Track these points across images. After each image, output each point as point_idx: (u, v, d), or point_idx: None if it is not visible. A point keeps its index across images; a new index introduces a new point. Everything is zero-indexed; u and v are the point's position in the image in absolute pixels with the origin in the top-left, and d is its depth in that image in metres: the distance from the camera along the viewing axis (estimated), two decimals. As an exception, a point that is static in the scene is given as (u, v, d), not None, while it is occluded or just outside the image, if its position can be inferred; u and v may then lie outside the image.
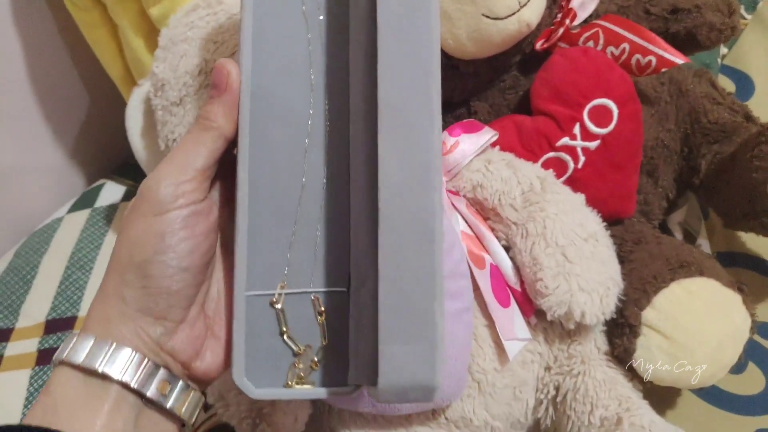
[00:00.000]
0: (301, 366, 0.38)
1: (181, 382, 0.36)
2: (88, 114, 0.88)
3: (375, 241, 0.37)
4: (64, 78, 0.83)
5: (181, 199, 0.36)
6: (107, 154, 0.88)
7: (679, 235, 0.66)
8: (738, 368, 0.53)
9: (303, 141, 0.39)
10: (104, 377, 0.33)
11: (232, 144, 0.38)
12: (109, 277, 0.36)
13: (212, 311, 0.39)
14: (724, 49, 0.82)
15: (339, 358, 0.39)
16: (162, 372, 0.35)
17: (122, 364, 0.34)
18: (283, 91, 0.39)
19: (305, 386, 0.38)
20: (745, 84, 0.79)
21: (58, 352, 0.35)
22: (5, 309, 0.68)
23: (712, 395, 0.58)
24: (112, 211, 0.78)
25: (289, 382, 0.38)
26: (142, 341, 0.35)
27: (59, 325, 0.66)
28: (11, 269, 0.73)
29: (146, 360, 0.35)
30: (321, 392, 0.38)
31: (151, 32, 0.65)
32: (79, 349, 0.34)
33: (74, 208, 0.80)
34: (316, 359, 0.39)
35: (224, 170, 0.39)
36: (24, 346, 0.65)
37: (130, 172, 0.84)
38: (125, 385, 0.34)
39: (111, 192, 0.81)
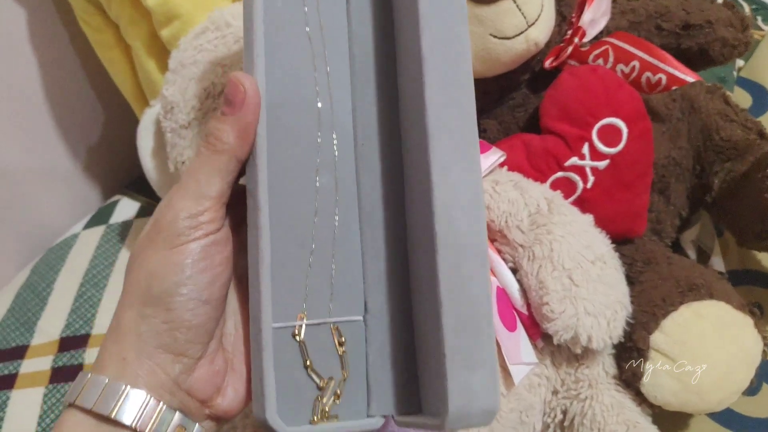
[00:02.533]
0: (324, 400, 0.37)
1: (197, 426, 0.35)
2: (104, 129, 0.89)
3: (391, 264, 0.38)
4: (80, 94, 0.84)
5: (199, 231, 0.34)
6: (123, 170, 0.89)
7: (692, 254, 0.65)
8: (752, 390, 0.52)
9: (314, 163, 0.38)
10: (116, 423, 0.32)
11: (245, 165, 0.37)
12: (123, 312, 0.34)
13: (231, 345, 0.37)
14: (740, 62, 0.81)
15: (358, 388, 0.38)
16: (177, 416, 0.34)
17: (136, 409, 0.32)
18: (292, 111, 0.38)
19: (332, 422, 0.37)
20: (762, 97, 0.77)
21: (69, 392, 0.33)
22: (21, 326, 0.69)
23: (726, 417, 0.57)
24: (126, 227, 0.79)
25: (315, 418, 0.37)
26: (159, 381, 0.34)
27: (73, 342, 0.66)
28: (28, 285, 0.74)
29: (161, 404, 0.33)
30: (349, 426, 0.37)
31: (162, 53, 0.65)
32: (91, 391, 0.32)
33: (90, 224, 0.81)
34: (339, 392, 0.37)
35: (231, 198, 0.37)
36: (38, 363, 0.66)
37: (145, 188, 0.84)
38: None
39: (126, 208, 0.82)
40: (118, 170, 0.90)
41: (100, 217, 0.82)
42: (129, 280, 0.35)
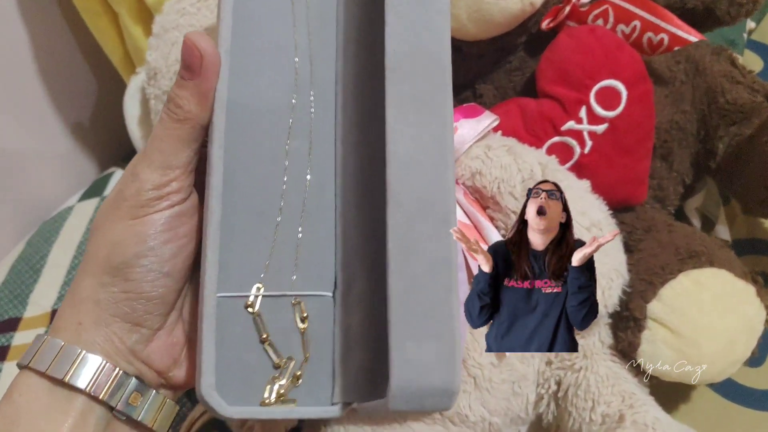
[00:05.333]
0: (282, 381, 0.34)
1: (153, 393, 0.34)
2: (98, 101, 0.88)
3: (368, 235, 0.34)
4: (73, 66, 0.83)
5: (164, 201, 0.33)
6: (117, 142, 0.88)
7: (696, 222, 0.63)
8: (755, 361, 0.50)
9: (285, 132, 0.36)
10: (71, 387, 0.31)
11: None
12: (83, 279, 0.34)
13: (191, 316, 0.36)
14: (751, 24, 0.78)
15: (322, 371, 0.34)
16: (134, 382, 0.33)
17: (91, 373, 0.32)
18: (265, 76, 0.36)
19: (287, 405, 0.33)
20: (773, 60, 0.75)
21: (23, 356, 0.33)
22: (15, 298, 0.69)
23: (728, 389, 0.56)
24: (120, 199, 0.78)
25: (267, 399, 0.33)
26: (115, 348, 0.33)
27: (63, 298, 0.66)
28: (22, 258, 0.73)
29: (117, 369, 0.32)
30: (304, 412, 0.34)
31: (149, 19, 0.64)
32: (45, 354, 0.32)
33: (84, 196, 0.80)
34: (299, 373, 0.34)
35: (203, 164, 0.36)
36: (31, 335, 0.65)
37: (140, 160, 0.84)
38: (93, 397, 0.32)
39: (120, 180, 0.81)
40: (112, 143, 0.89)
41: (95, 189, 0.81)
42: (90, 247, 0.34)
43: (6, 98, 0.76)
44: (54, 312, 0.66)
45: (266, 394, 0.33)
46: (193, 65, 0.33)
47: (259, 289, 0.34)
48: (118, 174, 0.83)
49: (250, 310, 0.34)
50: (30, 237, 0.76)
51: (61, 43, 0.80)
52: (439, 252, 0.30)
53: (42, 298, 0.68)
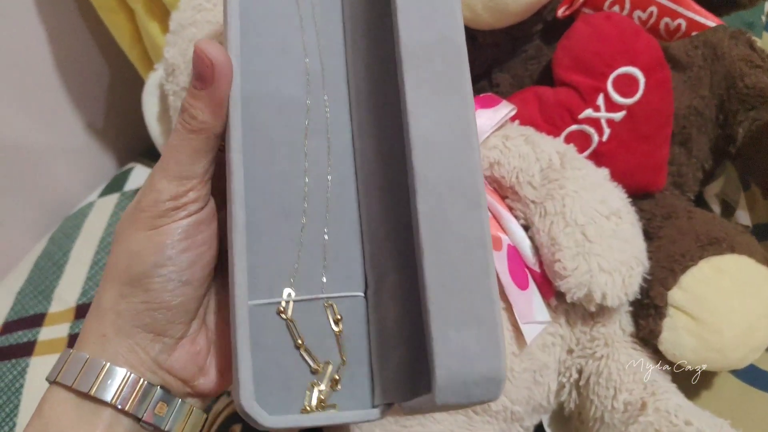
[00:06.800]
0: (322, 387, 0.33)
1: (179, 402, 0.34)
2: (116, 98, 0.88)
3: (394, 228, 0.33)
4: (91, 63, 0.84)
5: (182, 211, 0.33)
6: (136, 137, 0.89)
7: (716, 208, 0.63)
8: (777, 347, 0.50)
9: (302, 133, 0.35)
10: (97, 400, 0.32)
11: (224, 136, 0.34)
12: (104, 290, 0.33)
13: (214, 324, 0.36)
14: (769, 6, 0.77)
15: (360, 373, 0.34)
16: (159, 392, 0.33)
17: (116, 385, 0.32)
18: (276, 77, 0.35)
19: (328, 411, 0.33)
20: (792, 43, 0.74)
21: (51, 370, 0.33)
22: (39, 294, 0.70)
23: (749, 374, 0.55)
24: (140, 194, 0.79)
25: (308, 406, 0.33)
26: (139, 359, 0.33)
27: (88, 310, 0.67)
28: (45, 254, 0.74)
29: (142, 380, 0.33)
30: (346, 417, 0.33)
31: (165, 15, 0.64)
32: (71, 368, 0.32)
33: (105, 192, 0.81)
34: (337, 377, 0.33)
35: (221, 169, 0.35)
36: (56, 330, 0.66)
37: (158, 155, 0.84)
38: (120, 409, 0.32)
39: (140, 175, 0.82)
40: (131, 138, 0.90)
41: (115, 185, 0.82)
42: (111, 258, 0.34)
43: (26, 96, 0.77)
44: (78, 307, 0.67)
45: (306, 401, 0.33)
46: (204, 75, 0.32)
47: (290, 294, 0.34)
48: (137, 169, 0.83)
49: (282, 316, 0.33)
50: (53, 233, 0.77)
51: (79, 41, 0.81)
52: (473, 233, 0.29)
53: (66, 293, 0.69)
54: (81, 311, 0.67)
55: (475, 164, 0.30)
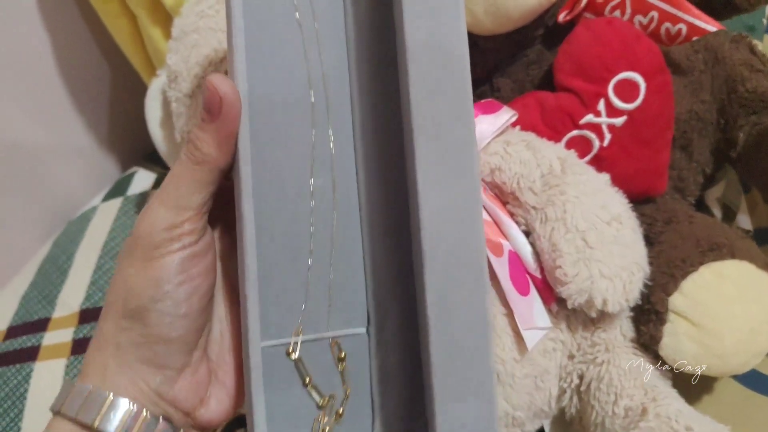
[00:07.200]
0: (325, 420, 0.35)
1: None
2: (119, 102, 0.89)
3: (397, 265, 0.34)
4: (94, 67, 0.84)
5: (176, 243, 0.33)
6: (139, 141, 0.89)
7: (717, 212, 0.63)
8: (779, 352, 0.50)
9: (307, 171, 0.35)
10: None
11: (229, 172, 0.35)
12: (105, 321, 0.34)
13: (215, 354, 0.36)
14: (770, 9, 0.77)
15: (363, 406, 0.35)
16: (162, 424, 0.33)
17: (119, 417, 0.32)
18: (281, 111, 0.35)
19: None
20: (794, 46, 0.74)
21: (55, 401, 0.33)
22: (43, 299, 0.70)
23: (751, 378, 0.56)
24: (143, 199, 0.79)
25: None
26: (141, 391, 0.33)
27: (93, 314, 0.67)
28: (49, 259, 0.74)
29: (145, 411, 0.33)
30: None
31: (167, 21, 0.64)
32: (74, 400, 0.32)
33: (108, 196, 0.81)
34: (341, 411, 0.35)
35: (222, 197, 0.36)
36: (60, 335, 0.66)
37: (161, 159, 0.84)
38: None
39: (143, 179, 0.82)
40: (134, 142, 0.90)
41: (118, 189, 0.82)
42: (110, 288, 0.34)
43: (29, 100, 0.77)
44: (82, 312, 0.68)
45: None
46: (213, 108, 0.32)
47: (298, 334, 0.35)
48: (140, 173, 0.84)
49: (292, 356, 0.35)
50: (57, 237, 0.78)
51: (83, 45, 0.81)
52: (475, 315, 0.31)
53: (70, 298, 0.69)
54: (85, 316, 0.67)
55: (479, 238, 0.31)
